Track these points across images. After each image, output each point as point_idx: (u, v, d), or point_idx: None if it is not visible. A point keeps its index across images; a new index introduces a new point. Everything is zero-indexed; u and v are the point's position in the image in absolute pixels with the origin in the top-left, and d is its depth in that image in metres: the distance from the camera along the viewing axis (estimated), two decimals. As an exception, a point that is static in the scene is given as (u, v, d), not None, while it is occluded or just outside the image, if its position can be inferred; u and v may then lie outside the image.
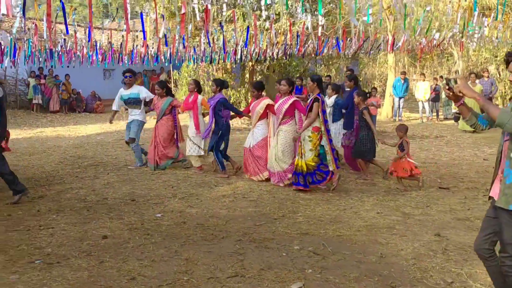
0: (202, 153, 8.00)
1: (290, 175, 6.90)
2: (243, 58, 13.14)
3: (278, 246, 4.54)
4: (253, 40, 10.22)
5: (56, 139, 12.31)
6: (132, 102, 8.33)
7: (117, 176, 7.76)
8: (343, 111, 8.35)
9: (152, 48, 11.11)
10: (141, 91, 8.39)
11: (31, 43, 9.57)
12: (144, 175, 7.85)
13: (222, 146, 7.80)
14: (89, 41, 8.05)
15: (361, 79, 21.19)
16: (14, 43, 9.03)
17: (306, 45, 11.51)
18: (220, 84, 7.91)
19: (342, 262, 4.15)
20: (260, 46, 10.75)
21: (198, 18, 6.75)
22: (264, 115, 7.43)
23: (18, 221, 5.31)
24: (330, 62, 21.11)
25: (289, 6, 13.73)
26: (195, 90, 8.06)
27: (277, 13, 13.33)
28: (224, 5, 9.02)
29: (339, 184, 6.82)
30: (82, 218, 5.46)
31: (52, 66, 17.65)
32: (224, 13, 10.52)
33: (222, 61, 13.79)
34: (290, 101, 6.97)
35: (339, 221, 5.37)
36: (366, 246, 4.58)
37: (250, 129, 7.72)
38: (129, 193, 6.66)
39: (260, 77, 20.58)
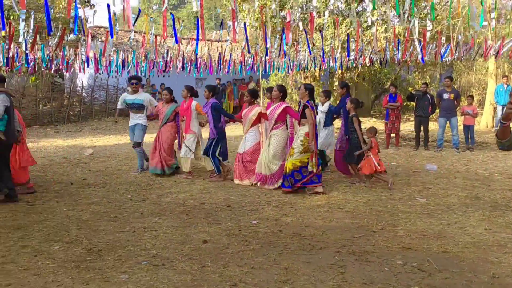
0: (192, 156, 8.21)
1: (280, 181, 7.24)
2: (335, 65, 13.00)
3: (380, 260, 4.38)
4: (349, 46, 10.06)
5: (153, 145, 12.89)
6: (136, 107, 8.65)
7: (213, 182, 7.95)
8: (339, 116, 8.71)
9: (250, 57, 11.33)
10: (146, 98, 8.73)
11: (135, 54, 10.14)
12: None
13: (218, 151, 7.99)
14: (197, 53, 8.34)
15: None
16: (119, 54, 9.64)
17: (409, 51, 11.12)
18: (212, 90, 8.18)
19: (451, 281, 3.91)
20: (360, 52, 10.55)
21: (301, 27, 6.75)
22: (256, 122, 7.74)
23: (124, 223, 5.60)
24: (425, 69, 20.24)
25: (383, 11, 13.40)
26: (189, 95, 8.31)
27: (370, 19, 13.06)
28: (326, 12, 8.95)
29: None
30: (182, 222, 5.64)
31: (149, 76, 18.66)
32: (325, 21, 10.45)
33: (313, 68, 13.71)
34: (282, 107, 7.34)
35: (443, 236, 5.08)
36: (475, 264, 4.28)
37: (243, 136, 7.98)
38: (224, 199, 6.79)
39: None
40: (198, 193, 7.15)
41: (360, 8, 15.59)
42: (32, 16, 8.28)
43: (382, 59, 12.19)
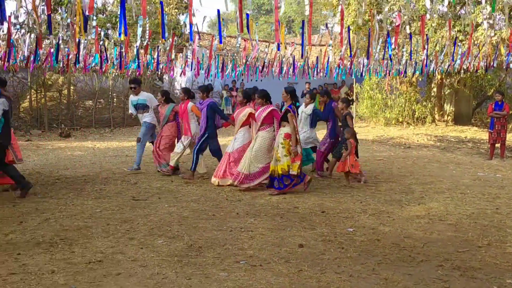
0: (182, 150, 8.52)
1: (256, 181, 7.52)
2: (434, 70, 12.44)
3: (487, 278, 4.10)
4: (455, 50, 9.58)
5: (246, 147, 13.15)
6: (141, 107, 9.08)
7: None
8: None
9: (349, 61, 11.20)
10: (148, 97, 9.14)
11: (234, 58, 10.42)
12: (331, 188, 7.90)
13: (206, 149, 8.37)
14: (301, 56, 8.38)
15: None
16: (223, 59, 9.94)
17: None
18: (205, 90, 8.45)
19: None
20: (464, 56, 10.01)
21: (408, 31, 6.55)
22: (246, 122, 7.91)
23: (221, 221, 5.76)
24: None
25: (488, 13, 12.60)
26: (185, 98, 8.59)
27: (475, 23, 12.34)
28: (428, 15, 8.62)
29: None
30: (277, 224, 5.69)
31: (242, 80, 19.10)
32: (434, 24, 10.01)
33: (411, 73, 13.22)
34: (268, 110, 7.59)
35: (560, 258, 4.65)
36: None
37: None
38: (318, 204, 6.75)
39: (449, 91, 19.28)
40: (291, 197, 7.17)
41: (463, 11, 14.81)
42: (147, 22, 8.81)
43: (487, 64, 11.45)
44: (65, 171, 9.01)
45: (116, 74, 18.68)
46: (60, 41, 8.61)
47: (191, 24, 5.59)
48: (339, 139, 8.54)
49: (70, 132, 15.72)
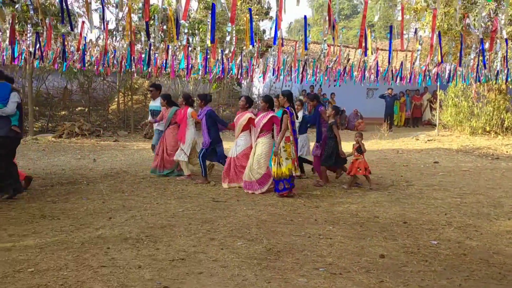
0: (186, 159, 8.53)
1: (265, 187, 7.58)
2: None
3: None
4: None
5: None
6: (156, 114, 9.20)
7: (387, 195, 7.73)
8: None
9: (434, 67, 10.79)
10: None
11: (315, 64, 10.40)
12: (413, 198, 7.62)
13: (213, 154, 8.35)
14: (389, 62, 8.22)
15: None
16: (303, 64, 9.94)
17: None
18: (204, 98, 8.53)
19: None
20: None
21: (505, 35, 6.19)
22: (246, 127, 8.00)
23: (299, 227, 5.74)
24: None
25: None
26: (184, 103, 8.69)
27: None
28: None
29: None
30: (357, 233, 5.57)
31: (320, 86, 18.97)
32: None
33: (502, 80, 12.47)
34: (268, 116, 7.69)
35: None
36: None
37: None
38: (399, 214, 6.53)
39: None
40: (371, 205, 7.01)
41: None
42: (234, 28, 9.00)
43: None
44: (149, 171, 9.41)
45: (197, 79, 19.30)
46: (152, 47, 9.04)
47: (276, 30, 5.63)
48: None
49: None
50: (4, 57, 10.83)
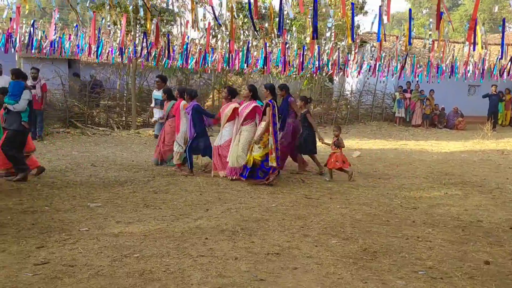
0: (181, 150, 8.74)
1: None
2: None
3: None
4: None
5: (420, 153, 12.53)
6: (159, 103, 9.76)
7: (491, 199, 7.26)
8: None
9: None
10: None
11: (415, 59, 9.99)
12: (522, 202, 7.08)
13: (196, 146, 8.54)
14: (501, 56, 7.73)
15: None
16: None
17: None
18: (190, 93, 8.85)
19: None
20: None
21: None
22: (231, 118, 8.23)
23: (396, 228, 5.56)
24: None
25: None
26: (179, 96, 9.07)
27: None
28: None
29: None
30: (458, 237, 5.28)
31: (418, 81, 18.18)
32: None
33: None
34: (251, 106, 7.96)
35: None
36: None
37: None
38: (506, 219, 6.10)
39: None
40: (474, 209, 6.61)
41: None
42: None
43: None
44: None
45: (289, 75, 19.37)
46: (250, 45, 9.23)
47: (379, 26, 5.48)
48: (298, 134, 8.77)
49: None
50: (112, 56, 11.62)
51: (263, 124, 7.71)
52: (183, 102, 9.02)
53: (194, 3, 6.11)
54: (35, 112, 12.20)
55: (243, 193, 7.22)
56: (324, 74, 16.78)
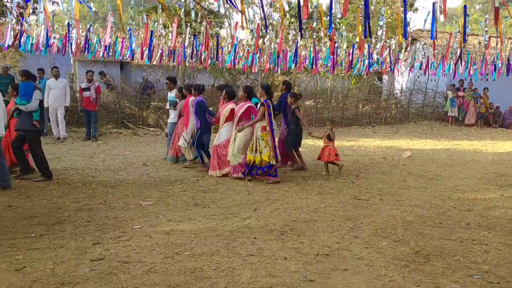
0: (186, 145, 9.11)
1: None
2: None
3: None
4: None
5: (474, 153, 12.09)
6: (171, 104, 10.09)
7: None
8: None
9: None
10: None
11: (469, 56, 9.66)
12: None
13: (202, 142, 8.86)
14: None
15: None
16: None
17: None
18: (197, 89, 9.14)
19: None
20: None
21: None
22: (229, 118, 8.46)
23: (450, 231, 5.39)
24: None
25: None
26: (187, 93, 9.39)
27: None
28: None
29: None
30: (517, 241, 5.07)
31: (471, 80, 17.56)
32: None
33: None
34: (245, 106, 8.19)
35: None
36: None
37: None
38: None
39: None
40: (533, 212, 6.31)
41: None
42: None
43: None
44: (291, 166, 9.60)
45: (336, 74, 19.18)
46: (299, 45, 9.22)
47: (433, 23, 5.33)
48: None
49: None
50: (163, 58, 11.90)
51: (262, 123, 7.90)
52: (191, 98, 9.20)
53: (244, 4, 6.15)
54: (89, 114, 12.71)
55: (291, 193, 7.22)
56: (373, 72, 16.47)
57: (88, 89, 12.56)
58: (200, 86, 9.49)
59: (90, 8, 7.76)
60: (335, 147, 8.69)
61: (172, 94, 10.30)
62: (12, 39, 10.59)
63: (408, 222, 5.69)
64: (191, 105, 9.08)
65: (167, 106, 10.70)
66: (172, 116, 10.14)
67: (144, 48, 10.39)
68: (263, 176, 7.95)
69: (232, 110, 8.44)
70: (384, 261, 4.34)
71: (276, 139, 8.66)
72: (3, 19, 9.88)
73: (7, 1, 15.87)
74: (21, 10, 11.13)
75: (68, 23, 9.77)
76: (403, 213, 6.13)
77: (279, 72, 17.47)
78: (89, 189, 7.25)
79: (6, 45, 10.89)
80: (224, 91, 8.91)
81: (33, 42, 10.77)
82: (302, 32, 7.40)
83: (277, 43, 9.14)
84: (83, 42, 10.83)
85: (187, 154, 9.37)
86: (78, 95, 13.92)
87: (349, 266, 4.21)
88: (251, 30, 9.11)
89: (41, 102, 7.78)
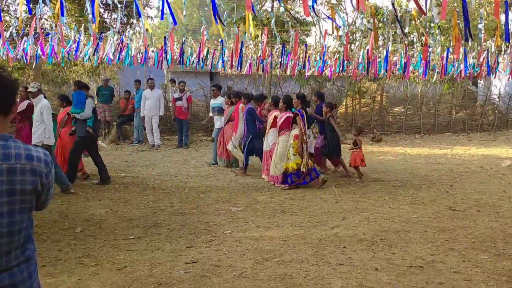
0: (233, 149, 9.44)
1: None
2: None
3: None
4: None
5: None
6: (217, 110, 10.53)
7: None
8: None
9: None
10: (223, 102, 10.44)
11: None
12: None
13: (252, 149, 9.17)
14: None
15: None
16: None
17: None
18: (247, 97, 9.67)
19: None
20: None
21: None
22: (274, 125, 8.61)
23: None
24: None
25: None
26: (237, 100, 9.74)
27: None
28: None
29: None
30: None
31: None
32: None
33: None
34: (285, 116, 8.28)
35: None
36: None
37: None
38: None
39: None
40: None
41: None
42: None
43: None
44: (381, 174, 9.38)
45: (427, 79, 18.41)
46: (389, 50, 9.03)
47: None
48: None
49: (381, 137, 16.28)
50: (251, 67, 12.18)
51: (294, 131, 8.10)
52: (241, 105, 9.63)
53: (334, 11, 6.13)
54: (181, 122, 13.27)
55: (381, 202, 7.04)
56: (468, 77, 15.62)
57: (180, 99, 13.12)
58: (249, 95, 10.05)
59: (175, 22, 8.11)
60: (362, 153, 8.81)
61: (217, 101, 10.80)
62: (113, 54, 11.36)
63: (509, 235, 5.33)
64: (241, 112, 9.49)
65: (211, 113, 11.18)
66: (218, 122, 10.56)
67: (234, 58, 10.70)
68: (298, 183, 8.06)
69: (275, 118, 8.67)
70: (484, 276, 4.10)
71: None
72: (105, 34, 10.63)
73: (107, 18, 17.10)
74: (120, 26, 11.92)
75: (165, 37, 10.32)
76: (503, 225, 5.75)
77: (367, 78, 17.15)
78: (182, 194, 7.57)
79: (109, 61, 11.71)
80: (282, 99, 9.05)
81: (132, 55, 11.48)
82: (392, 37, 7.20)
83: (367, 49, 8.97)
84: (177, 54, 11.39)
85: (239, 158, 9.59)
86: (171, 105, 14.59)
87: (445, 280, 4.03)
88: (340, 37, 9.07)
89: (94, 110, 8.20)
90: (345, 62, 10.19)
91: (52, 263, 4.50)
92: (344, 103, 19.22)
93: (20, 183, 1.98)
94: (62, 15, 7.67)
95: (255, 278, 4.07)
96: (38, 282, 2.14)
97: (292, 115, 8.44)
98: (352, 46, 11.24)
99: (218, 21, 5.97)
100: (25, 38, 9.56)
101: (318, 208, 6.70)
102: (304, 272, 4.21)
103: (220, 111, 10.64)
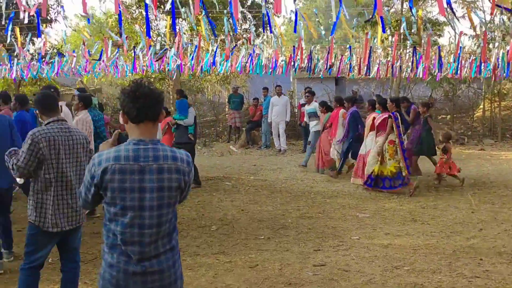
0: (337, 155, 9.22)
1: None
2: None
3: None
4: None
5: None
6: (310, 115, 10.60)
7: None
8: None
9: None
10: (316, 106, 10.51)
11: None
12: None
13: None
14: None
15: None
16: None
17: None
18: (350, 100, 9.64)
19: None
20: None
21: None
22: (372, 128, 8.27)
23: None
24: None
25: None
26: (338, 105, 9.63)
27: None
28: None
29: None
30: None
31: None
32: None
33: None
34: (382, 117, 8.09)
35: None
36: None
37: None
38: None
39: None
40: None
41: None
42: None
43: None
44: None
45: None
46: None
47: None
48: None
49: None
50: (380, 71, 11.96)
51: (390, 136, 7.86)
52: (342, 111, 9.45)
53: (470, 9, 5.81)
54: (307, 127, 13.46)
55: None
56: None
57: (304, 105, 13.33)
58: (352, 98, 9.93)
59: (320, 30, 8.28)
60: (450, 161, 8.45)
61: (311, 107, 10.85)
62: (245, 64, 11.92)
63: None
64: (341, 118, 9.34)
65: (305, 119, 11.18)
66: (314, 123, 10.52)
67: (363, 64, 10.61)
68: (392, 190, 7.89)
69: (374, 119, 8.39)
70: None
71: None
72: (238, 45, 11.21)
73: (238, 29, 17.95)
74: (248, 37, 12.46)
75: (294, 46, 10.61)
76: None
77: (509, 79, 15.79)
78: (309, 198, 7.71)
79: (241, 70, 12.33)
80: (367, 102, 9.24)
81: (262, 64, 11.92)
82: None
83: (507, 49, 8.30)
84: (306, 61, 11.61)
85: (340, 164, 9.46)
86: (297, 110, 14.86)
87: None
88: (477, 36, 8.51)
89: (194, 118, 8.62)
90: (482, 63, 9.52)
91: (191, 257, 4.92)
92: (481, 107, 17.92)
93: (167, 181, 2.26)
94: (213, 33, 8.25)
95: (384, 285, 4.05)
96: (181, 271, 2.41)
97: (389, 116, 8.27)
98: (490, 46, 10.44)
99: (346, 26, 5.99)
100: (168, 52, 10.45)
101: (452, 217, 6.38)
102: (437, 282, 4.08)
103: (315, 115, 10.71)
